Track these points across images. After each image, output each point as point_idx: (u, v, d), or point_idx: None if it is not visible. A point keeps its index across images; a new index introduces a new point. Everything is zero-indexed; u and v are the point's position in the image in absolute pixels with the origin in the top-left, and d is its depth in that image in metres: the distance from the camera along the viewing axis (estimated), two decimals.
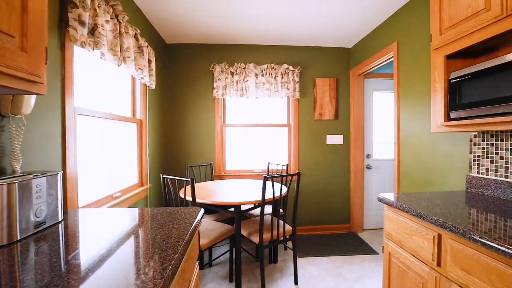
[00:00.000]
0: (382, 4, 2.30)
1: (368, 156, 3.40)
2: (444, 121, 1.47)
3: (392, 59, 2.54)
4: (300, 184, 3.32)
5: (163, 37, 3.01)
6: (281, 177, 2.07)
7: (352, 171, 3.35)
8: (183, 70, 3.21)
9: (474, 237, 0.92)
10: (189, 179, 1.86)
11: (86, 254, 0.74)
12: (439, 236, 1.14)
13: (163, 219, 1.08)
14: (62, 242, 0.84)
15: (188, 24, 2.70)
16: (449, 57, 1.48)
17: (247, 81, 3.14)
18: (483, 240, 0.89)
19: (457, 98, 1.33)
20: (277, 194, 2.14)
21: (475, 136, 1.61)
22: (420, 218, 1.21)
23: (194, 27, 2.76)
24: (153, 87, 2.51)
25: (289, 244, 3.03)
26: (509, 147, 1.41)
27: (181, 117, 3.21)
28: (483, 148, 1.56)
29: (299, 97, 3.26)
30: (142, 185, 2.48)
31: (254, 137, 3.36)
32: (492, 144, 1.51)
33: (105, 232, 0.93)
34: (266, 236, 2.07)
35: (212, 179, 3.06)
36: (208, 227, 2.20)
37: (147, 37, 2.56)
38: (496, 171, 1.48)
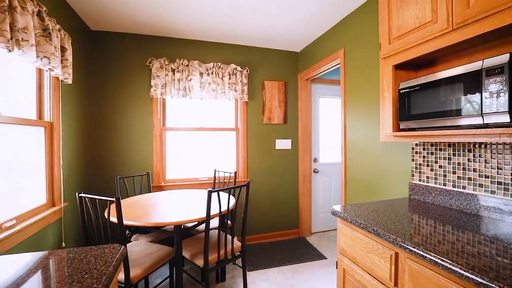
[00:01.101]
0: (328, 11, 2.29)
1: (315, 160, 3.45)
2: (393, 131, 1.47)
3: (339, 65, 2.57)
4: (250, 192, 3.16)
5: (86, 22, 2.48)
6: (229, 188, 1.85)
7: (300, 175, 3.34)
8: (113, 64, 2.71)
9: (435, 259, 0.86)
10: (114, 199, 1.49)
11: None
12: (396, 255, 1.07)
13: (60, 273, 0.75)
14: None
15: (117, 8, 2.25)
16: (396, 67, 1.48)
17: (190, 80, 2.83)
18: (446, 264, 0.82)
19: (406, 109, 1.32)
20: (224, 208, 1.92)
21: (416, 145, 1.67)
22: (377, 236, 1.13)
23: (125, 13, 2.33)
24: (70, 81, 2.01)
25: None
26: (447, 156, 1.48)
27: (110, 120, 2.71)
28: (423, 157, 1.62)
29: (247, 100, 3.09)
30: (53, 206, 1.95)
31: (199, 142, 3.06)
32: (432, 153, 1.57)
33: None
34: (213, 257, 1.82)
35: (150, 191, 2.66)
36: (143, 252, 1.84)
37: (62, 20, 2.04)
38: (436, 179, 1.54)
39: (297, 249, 2.94)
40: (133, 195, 2.75)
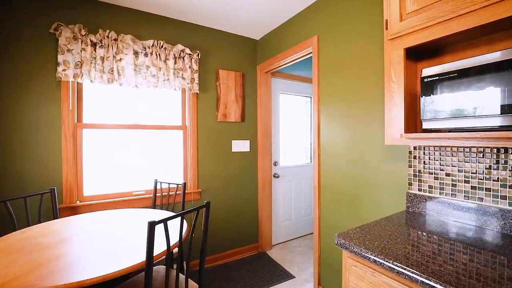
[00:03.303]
0: None
1: (276, 163, 3.08)
2: (405, 132, 1.15)
3: (309, 55, 2.23)
4: (203, 202, 2.57)
5: None
6: (181, 214, 1.27)
7: (260, 181, 2.92)
8: None
9: None
10: None
11: None
12: None
13: None
14: None
15: None
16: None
17: (120, 60, 2.09)
18: None
19: (435, 103, 1.01)
20: (175, 240, 1.33)
21: (415, 148, 1.42)
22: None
23: None
24: None
25: None
26: (457, 162, 1.24)
27: None
28: (424, 163, 1.37)
29: (198, 91, 2.50)
30: None
31: (133, 144, 2.32)
32: (435, 159, 1.33)
33: None
34: None
35: (56, 217, 1.82)
36: None
37: None
38: (442, 189, 1.30)
39: (260, 269, 2.50)
40: (24, 226, 1.86)
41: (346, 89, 1.84)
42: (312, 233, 3.44)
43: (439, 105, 0.98)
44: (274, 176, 3.06)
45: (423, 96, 1.04)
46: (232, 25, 2.56)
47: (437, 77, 0.98)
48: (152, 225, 1.05)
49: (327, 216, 2.02)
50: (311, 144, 3.46)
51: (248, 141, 2.87)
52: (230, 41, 2.75)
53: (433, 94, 1.00)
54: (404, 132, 1.16)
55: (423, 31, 1.08)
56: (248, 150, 2.87)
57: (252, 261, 2.69)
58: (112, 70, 2.06)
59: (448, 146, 1.27)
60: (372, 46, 1.64)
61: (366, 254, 0.92)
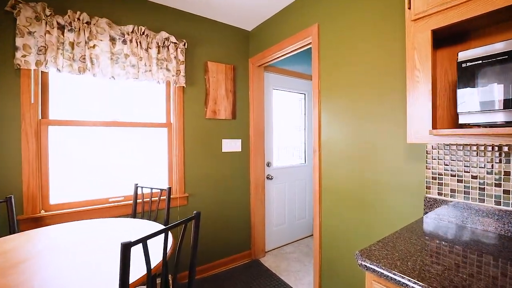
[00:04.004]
0: None
1: (269, 164, 2.88)
2: (433, 128, 0.98)
3: (308, 46, 2.04)
4: (190, 209, 2.33)
5: None
6: (165, 231, 1.04)
7: (252, 183, 2.71)
8: None
9: None
10: None
11: None
12: None
13: None
14: None
15: None
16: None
17: (94, 46, 1.81)
18: None
19: (477, 93, 0.84)
20: (157, 259, 1.09)
21: (433, 147, 1.26)
22: None
23: None
24: None
25: None
26: (486, 163, 1.09)
27: None
28: (445, 164, 1.22)
29: (184, 85, 2.25)
30: None
31: (110, 144, 2.04)
32: (459, 160, 1.17)
33: None
34: None
35: (13, 231, 1.52)
36: None
37: None
38: (467, 193, 1.15)
39: (254, 280, 2.29)
40: None
41: (351, 82, 1.67)
42: (307, 237, 3.28)
43: (483, 95, 0.81)
44: (267, 177, 2.86)
45: (461, 85, 0.87)
46: (223, 13, 2.33)
47: (480, 61, 0.81)
48: (126, 248, 0.81)
49: (329, 222, 1.84)
50: (305, 143, 3.29)
51: (240, 140, 2.65)
52: (220, 31, 2.52)
53: (472, 82, 0.83)
54: (432, 128, 0.98)
55: (456, 8, 0.91)
56: (240, 150, 2.65)
57: (245, 270, 2.47)
58: (84, 58, 1.77)
59: (500, 145, 1.11)
60: (383, 32, 1.47)
61: (403, 281, 0.74)
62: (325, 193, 1.88)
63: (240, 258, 2.64)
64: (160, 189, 1.83)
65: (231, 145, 2.58)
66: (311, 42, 1.97)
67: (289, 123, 3.13)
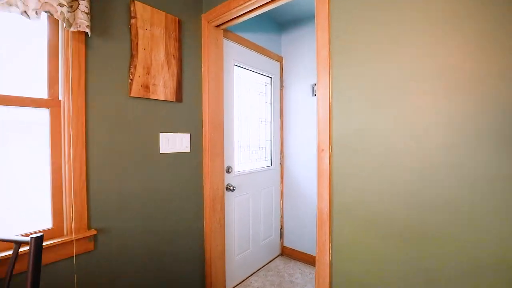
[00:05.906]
0: None
1: (229, 169, 2.04)
2: None
3: None
4: (99, 257, 1.30)
5: None
6: None
7: (207, 199, 1.83)
8: None
9: None
10: None
11: None
12: None
13: None
14: None
15: None
16: None
17: None
18: None
19: None
20: None
21: None
22: None
23: None
24: None
25: None
26: None
27: None
28: None
29: (88, 30, 1.22)
30: None
31: None
32: None
33: None
34: None
35: None
36: None
37: None
38: None
39: None
40: None
41: (389, 47, 1.01)
42: (274, 258, 2.56)
43: None
44: (227, 188, 2.01)
45: None
46: None
47: None
48: None
49: (348, 267, 1.14)
50: (270, 140, 2.57)
51: (189, 134, 1.74)
52: None
53: None
54: None
55: None
56: (189, 150, 1.74)
57: None
58: None
59: None
60: None
61: None
62: (338, 214, 1.18)
63: None
64: (15, 241, 0.80)
65: (174, 143, 1.65)
66: None
67: (253, 114, 2.36)
